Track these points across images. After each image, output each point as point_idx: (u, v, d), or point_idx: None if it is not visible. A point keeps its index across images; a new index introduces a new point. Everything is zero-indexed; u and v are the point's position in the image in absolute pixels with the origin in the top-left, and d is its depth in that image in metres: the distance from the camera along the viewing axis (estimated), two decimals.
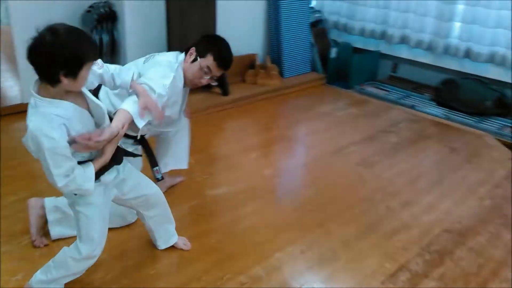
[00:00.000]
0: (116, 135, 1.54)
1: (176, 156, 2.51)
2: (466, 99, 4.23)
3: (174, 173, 2.58)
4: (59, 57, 1.35)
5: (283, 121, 3.84)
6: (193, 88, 2.27)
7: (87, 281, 1.88)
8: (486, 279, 2.06)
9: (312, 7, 5.34)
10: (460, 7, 4.52)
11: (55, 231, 2.09)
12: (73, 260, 1.66)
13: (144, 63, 2.09)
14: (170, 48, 3.63)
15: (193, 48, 2.16)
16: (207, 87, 4.09)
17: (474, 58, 4.46)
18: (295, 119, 3.83)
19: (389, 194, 2.71)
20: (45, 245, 2.07)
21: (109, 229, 1.76)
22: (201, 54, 2.14)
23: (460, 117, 4.12)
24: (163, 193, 1.97)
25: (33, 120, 1.41)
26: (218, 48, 2.19)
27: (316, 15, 5.32)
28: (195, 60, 2.14)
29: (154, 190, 1.90)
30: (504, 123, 4.03)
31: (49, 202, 2.09)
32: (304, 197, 2.67)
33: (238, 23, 4.42)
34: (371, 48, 5.23)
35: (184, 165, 2.55)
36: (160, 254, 2.07)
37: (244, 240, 2.22)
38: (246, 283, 1.94)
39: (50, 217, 2.08)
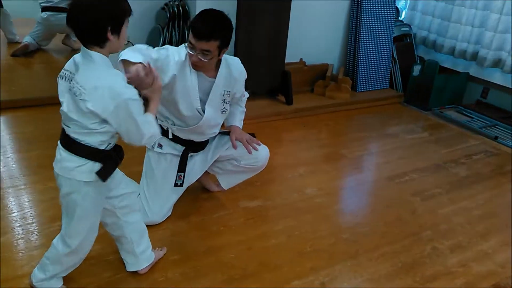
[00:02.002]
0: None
1: (229, 177, 2.48)
2: None
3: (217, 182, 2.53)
4: (105, 11, 1.39)
5: (343, 138, 3.62)
6: (196, 69, 2.05)
7: (95, 279, 1.87)
8: None
9: (400, 21, 5.04)
10: None
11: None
12: (65, 256, 1.65)
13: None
14: (237, 50, 3.58)
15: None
16: (271, 95, 4.02)
17: None
18: (357, 137, 3.60)
19: (440, 233, 2.43)
20: None
21: None
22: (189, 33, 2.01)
23: None
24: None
25: (103, 76, 1.42)
26: (195, 19, 2.00)
27: (403, 29, 5.00)
28: None
29: (137, 189, 1.81)
30: None
31: None
32: (342, 223, 2.47)
33: (314, 30, 4.28)
34: (460, 69, 4.81)
35: (226, 187, 2.53)
36: (174, 262, 2.01)
37: (264, 260, 2.09)
38: None
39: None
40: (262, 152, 2.39)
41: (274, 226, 2.35)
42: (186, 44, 2.00)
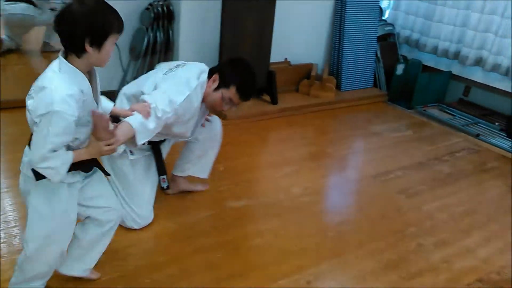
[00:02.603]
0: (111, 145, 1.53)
1: (199, 164, 2.45)
2: None
3: (199, 180, 2.52)
4: (85, 24, 1.36)
5: (328, 137, 3.65)
6: (211, 112, 2.27)
7: (81, 281, 1.85)
8: None
9: (384, 20, 5.09)
10: None
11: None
12: (24, 261, 1.60)
13: (164, 74, 2.05)
14: (222, 51, 3.58)
15: (217, 75, 2.09)
16: (256, 95, 4.03)
17: None
18: (342, 136, 3.63)
19: (425, 230, 2.46)
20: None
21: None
22: (224, 83, 2.08)
23: None
24: (172, 194, 2.13)
25: (55, 81, 1.36)
26: (242, 79, 2.11)
27: (387, 28, 5.04)
28: (217, 88, 2.09)
29: (118, 206, 1.76)
30: None
31: None
32: (328, 221, 2.49)
33: (298, 30, 4.29)
34: (442, 68, 4.87)
35: (204, 175, 2.48)
36: (160, 264, 2.00)
37: (250, 259, 2.10)
38: None
39: None
40: (214, 120, 2.39)
41: (260, 226, 2.36)
42: (199, 71, 2.08)
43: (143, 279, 1.90)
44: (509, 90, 4.35)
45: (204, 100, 2.11)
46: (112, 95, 3.68)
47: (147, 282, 1.89)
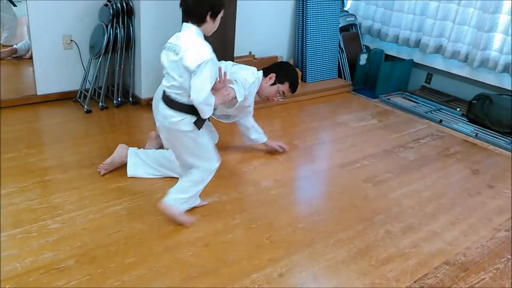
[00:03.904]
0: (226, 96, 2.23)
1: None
2: (500, 117, 3.91)
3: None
4: (209, 0, 1.95)
5: (295, 128, 3.66)
6: (263, 101, 3.01)
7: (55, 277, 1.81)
8: None
9: (346, 11, 5.13)
10: (503, 17, 4.18)
11: (131, 171, 2.60)
12: (209, 175, 2.26)
13: (232, 66, 2.71)
14: None
15: (273, 74, 2.80)
16: None
17: None
18: (309, 127, 3.65)
19: (392, 217, 2.51)
20: (103, 175, 2.59)
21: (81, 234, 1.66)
22: (280, 81, 2.81)
23: (491, 136, 3.81)
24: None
25: (199, 41, 1.97)
26: (293, 77, 2.87)
27: (349, 19, 5.09)
28: (273, 84, 2.81)
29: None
30: None
31: (132, 149, 2.63)
32: (298, 212, 2.50)
33: (262, 23, 4.29)
34: (404, 57, 4.96)
35: None
36: (129, 265, 1.97)
37: (222, 255, 2.09)
38: None
39: (129, 160, 2.60)
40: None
41: (230, 221, 2.35)
42: (254, 68, 2.74)
43: (112, 281, 1.87)
44: (469, 76, 4.47)
45: (258, 92, 2.81)
46: (73, 95, 3.62)
47: (116, 284, 1.86)
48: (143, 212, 2.34)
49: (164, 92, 2.11)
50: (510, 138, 3.80)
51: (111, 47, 3.54)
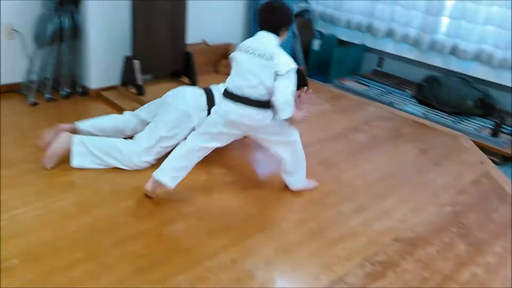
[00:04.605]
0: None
1: None
2: (448, 97, 4.04)
3: None
4: (287, 16, 2.20)
5: None
6: None
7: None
8: None
9: None
10: (449, 2, 4.30)
11: (77, 161, 2.50)
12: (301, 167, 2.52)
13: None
14: (135, 35, 3.45)
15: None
16: (175, 77, 3.96)
17: (460, 56, 4.27)
18: None
19: (344, 198, 2.55)
20: (50, 168, 2.49)
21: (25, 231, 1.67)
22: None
23: (439, 116, 3.94)
24: None
25: (283, 52, 2.15)
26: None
27: (302, 4, 5.12)
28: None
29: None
30: (483, 124, 3.84)
31: (77, 137, 2.51)
32: (252, 197, 2.50)
33: (214, 10, 4.25)
34: (357, 41, 5.03)
35: None
36: (77, 261, 1.91)
37: (174, 245, 2.07)
38: None
39: (74, 149, 2.48)
40: None
41: (183, 210, 2.33)
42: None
43: (59, 278, 1.81)
44: (418, 59, 4.59)
45: None
46: (18, 87, 3.48)
47: (64, 282, 1.80)
48: (91, 205, 2.28)
49: (236, 92, 2.21)
50: (456, 118, 3.94)
51: (57, 37, 3.42)
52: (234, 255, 2.03)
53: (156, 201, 2.37)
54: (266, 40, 2.15)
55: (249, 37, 4.55)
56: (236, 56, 2.22)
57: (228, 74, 4.14)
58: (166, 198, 2.39)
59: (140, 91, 3.52)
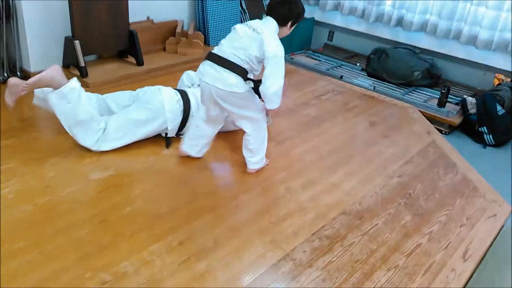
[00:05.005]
0: None
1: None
2: (395, 69, 4.10)
3: None
4: (296, 10, 2.23)
5: None
6: None
7: None
8: (373, 265, 1.93)
9: None
10: None
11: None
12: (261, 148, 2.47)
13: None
14: (72, 13, 3.29)
15: (290, 21, 2.26)
16: (120, 57, 3.82)
17: (406, 27, 4.31)
18: None
19: (293, 173, 2.55)
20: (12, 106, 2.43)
21: None
22: (295, 21, 2.30)
23: (388, 88, 3.99)
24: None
25: (278, 40, 2.16)
26: (303, 10, 2.35)
27: None
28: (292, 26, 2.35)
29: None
30: (430, 95, 3.93)
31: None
32: (200, 178, 2.46)
33: None
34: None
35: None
36: (18, 251, 1.84)
37: (120, 230, 2.02)
38: (108, 282, 1.74)
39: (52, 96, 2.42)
40: None
41: (129, 193, 2.27)
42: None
43: None
44: (366, 32, 4.61)
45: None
46: None
47: (3, 273, 1.73)
48: (33, 193, 2.19)
49: (218, 53, 2.19)
50: (405, 89, 4.00)
51: None
52: (182, 237, 2.00)
53: (102, 186, 2.30)
54: (267, 23, 2.17)
55: (197, 13, 4.47)
56: (236, 27, 2.21)
57: (176, 52, 4.09)
58: (111, 184, 2.32)
59: (82, 72, 3.39)
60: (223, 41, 2.24)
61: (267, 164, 2.57)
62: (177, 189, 2.34)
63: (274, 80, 2.13)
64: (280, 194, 2.37)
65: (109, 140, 2.54)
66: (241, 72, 2.16)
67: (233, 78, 2.15)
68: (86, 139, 2.51)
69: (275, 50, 2.10)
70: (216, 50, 2.22)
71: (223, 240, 2.01)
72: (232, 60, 2.14)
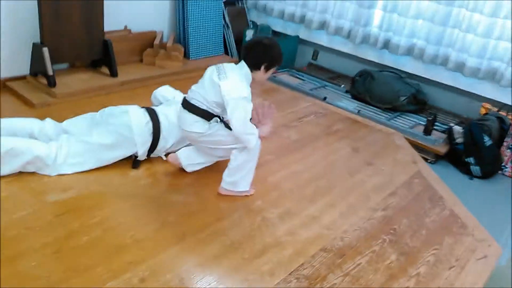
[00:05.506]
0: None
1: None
2: (381, 93, 3.97)
3: None
4: (270, 54, 2.14)
5: None
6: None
7: None
8: None
9: None
10: None
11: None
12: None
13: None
14: (41, 17, 3.06)
15: (264, 63, 2.16)
16: (94, 67, 3.62)
17: (393, 50, 4.21)
18: None
19: (270, 202, 2.36)
20: None
21: None
22: (270, 65, 2.18)
23: (372, 112, 3.86)
24: None
25: (243, 83, 2.12)
26: (280, 55, 2.22)
27: None
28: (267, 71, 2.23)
29: None
30: (416, 121, 3.81)
31: None
32: (169, 204, 2.25)
33: None
34: (291, 33, 4.87)
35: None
36: None
37: (73, 263, 1.79)
38: None
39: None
40: None
41: (88, 220, 2.04)
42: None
43: None
44: (352, 53, 4.49)
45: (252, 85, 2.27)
46: None
47: None
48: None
49: (187, 98, 2.23)
50: (390, 114, 3.87)
51: None
52: (144, 273, 1.78)
53: (58, 210, 2.07)
54: (236, 68, 2.15)
55: (177, 25, 4.29)
56: (207, 70, 2.23)
57: (153, 64, 3.90)
58: (70, 207, 2.10)
59: (50, 82, 3.16)
60: (193, 86, 2.26)
61: (249, 195, 2.37)
62: (142, 216, 2.12)
63: (235, 122, 2.09)
64: (256, 225, 2.17)
65: (69, 165, 2.32)
66: (201, 113, 2.17)
67: (192, 119, 2.19)
68: (43, 169, 2.29)
69: (230, 92, 2.06)
70: (187, 95, 2.26)
71: (190, 278, 1.80)
72: (192, 103, 2.18)
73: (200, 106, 2.17)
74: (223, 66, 2.17)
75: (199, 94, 2.17)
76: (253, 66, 2.14)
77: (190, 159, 2.44)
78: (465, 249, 2.22)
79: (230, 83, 2.08)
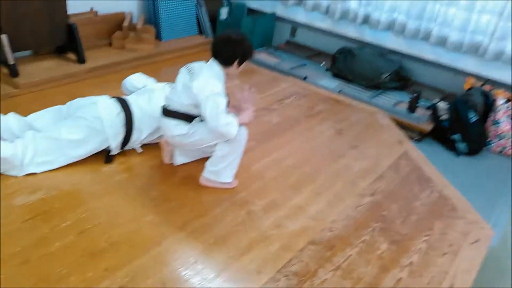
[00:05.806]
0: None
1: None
2: (363, 70, 3.85)
3: None
4: (241, 49, 2.10)
5: None
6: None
7: None
8: None
9: None
10: None
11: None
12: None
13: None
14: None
15: (236, 59, 2.12)
16: (59, 53, 3.40)
17: (373, 25, 4.07)
18: None
19: (254, 193, 2.25)
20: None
21: None
22: (242, 60, 2.14)
23: (354, 90, 3.74)
24: None
25: (214, 80, 2.05)
26: (251, 49, 2.18)
27: None
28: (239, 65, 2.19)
29: None
30: (399, 99, 3.71)
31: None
32: (146, 202, 2.10)
33: None
34: (267, 10, 4.69)
35: None
36: None
37: (44, 273, 1.65)
38: None
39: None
40: None
41: (60, 223, 1.89)
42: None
43: None
44: (331, 30, 4.35)
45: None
46: None
47: None
48: None
49: (164, 104, 2.19)
50: (373, 92, 3.77)
51: None
52: (121, 281, 1.65)
53: (27, 214, 1.91)
54: (207, 67, 2.10)
55: (147, 5, 4.07)
56: (179, 71, 2.17)
57: (123, 48, 3.69)
58: (39, 211, 1.94)
59: (12, 71, 2.94)
60: (167, 93, 2.23)
61: (231, 188, 2.26)
62: (118, 216, 1.98)
63: (208, 117, 2.02)
64: (240, 219, 2.05)
65: (36, 164, 2.15)
66: (181, 116, 2.14)
67: (173, 123, 2.14)
68: (10, 171, 2.14)
69: (203, 90, 2.01)
70: (164, 103, 2.21)
71: (172, 282, 1.68)
72: (170, 109, 2.15)
73: (178, 110, 2.13)
74: (193, 66, 2.14)
75: (174, 100, 2.14)
76: (226, 63, 2.10)
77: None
78: (457, 233, 2.14)
79: (201, 83, 2.03)
